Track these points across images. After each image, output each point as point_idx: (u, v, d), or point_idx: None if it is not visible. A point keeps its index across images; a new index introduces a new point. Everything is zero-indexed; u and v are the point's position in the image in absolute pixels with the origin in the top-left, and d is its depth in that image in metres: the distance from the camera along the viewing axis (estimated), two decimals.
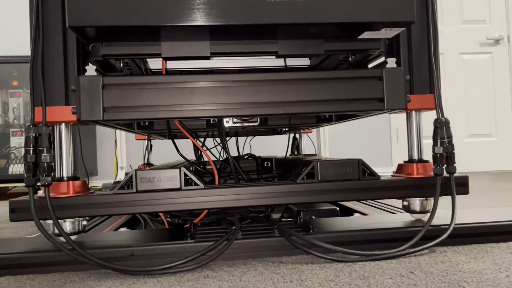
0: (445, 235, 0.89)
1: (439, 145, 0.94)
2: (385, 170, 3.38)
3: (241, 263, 0.87)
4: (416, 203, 1.01)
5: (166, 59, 1.00)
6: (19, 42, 3.14)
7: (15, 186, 3.11)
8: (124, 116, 0.89)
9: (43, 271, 0.86)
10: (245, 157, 1.71)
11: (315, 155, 1.90)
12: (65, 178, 0.92)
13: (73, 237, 0.92)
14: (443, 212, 1.10)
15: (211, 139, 1.95)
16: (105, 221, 1.31)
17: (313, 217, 1.23)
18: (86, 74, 0.91)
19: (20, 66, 2.89)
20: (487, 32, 3.80)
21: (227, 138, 1.91)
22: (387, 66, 0.97)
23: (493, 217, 1.02)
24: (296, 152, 2.41)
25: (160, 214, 1.30)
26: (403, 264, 0.81)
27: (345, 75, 0.93)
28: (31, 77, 0.89)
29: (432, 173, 0.96)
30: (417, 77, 1.00)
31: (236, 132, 1.86)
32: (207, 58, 0.96)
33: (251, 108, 0.92)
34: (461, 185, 0.98)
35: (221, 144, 1.27)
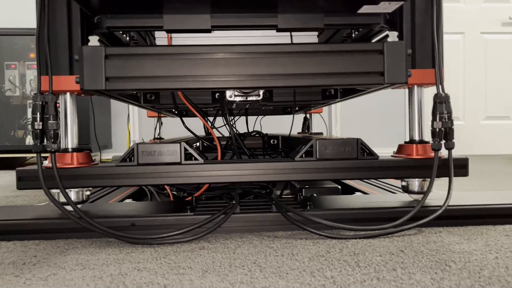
0: (432, 216, 0.89)
1: (438, 120, 0.93)
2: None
3: (238, 237, 0.89)
4: (414, 183, 1.01)
5: (168, 31, 1.01)
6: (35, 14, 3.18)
7: (32, 157, 3.19)
8: (126, 86, 0.92)
9: (48, 237, 0.90)
10: (252, 134, 1.71)
11: (321, 133, 1.89)
12: (69, 149, 0.95)
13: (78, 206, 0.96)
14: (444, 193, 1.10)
15: (221, 118, 1.96)
16: (112, 192, 1.35)
17: (314, 194, 1.24)
18: (89, 44, 0.92)
19: None
20: (510, 11, 3.68)
21: (236, 118, 1.93)
22: (388, 39, 0.95)
23: (495, 199, 1.02)
24: (306, 131, 2.41)
25: (166, 187, 1.34)
26: (395, 243, 0.82)
27: (346, 48, 0.93)
28: (37, 47, 0.91)
29: (432, 155, 0.96)
30: (419, 51, 0.98)
31: (246, 111, 1.86)
32: (208, 31, 0.97)
33: (251, 80, 0.93)
34: (461, 167, 0.97)
35: (224, 120, 1.27)
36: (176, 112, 1.80)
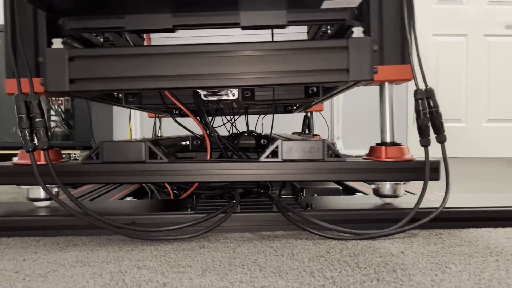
0: (428, 218, 0.88)
1: (422, 116, 0.93)
2: None
3: (238, 236, 0.89)
4: (385, 187, 0.99)
5: (131, 32, 1.01)
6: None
7: None
8: (89, 87, 0.92)
9: (49, 234, 0.90)
10: (245, 134, 1.72)
11: (309, 134, 1.89)
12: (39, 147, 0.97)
13: (47, 203, 1.01)
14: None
15: (221, 117, 1.98)
16: (112, 190, 1.35)
17: (315, 195, 1.24)
18: (53, 47, 0.93)
19: None
20: None
21: (236, 117, 1.94)
22: (354, 35, 0.93)
23: (496, 202, 1.01)
24: (307, 131, 2.41)
25: (167, 185, 1.34)
26: (396, 244, 0.82)
27: (310, 45, 0.91)
28: (8, 49, 0.93)
29: (405, 157, 0.94)
30: (388, 47, 0.96)
31: (245, 110, 1.87)
32: (171, 30, 0.98)
33: (213, 79, 0.92)
34: (433, 171, 0.93)
35: (201, 119, 1.26)
36: (176, 112, 1.81)
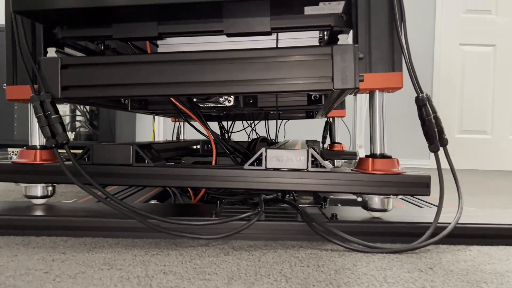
0: (443, 234, 0.86)
1: (427, 123, 0.91)
2: (421, 163, 3.29)
3: (262, 244, 0.89)
4: (374, 200, 0.96)
5: (119, 40, 1.04)
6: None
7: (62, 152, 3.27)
8: (81, 94, 0.96)
9: (76, 234, 0.91)
10: (259, 140, 1.72)
11: (317, 142, 1.87)
12: (38, 147, 1.03)
13: (42, 201, 1.06)
14: (472, 210, 1.08)
15: (241, 122, 1.98)
16: (136, 192, 1.36)
17: (339, 204, 1.23)
18: (48, 55, 0.97)
19: None
20: None
21: (256, 122, 1.94)
22: (339, 42, 0.91)
23: None
24: (329, 137, 2.39)
25: (189, 189, 1.34)
26: (424, 260, 0.80)
27: (293, 53, 0.89)
28: (9, 57, 1.03)
29: (394, 170, 0.92)
30: (377, 54, 0.93)
31: (265, 115, 1.87)
32: (157, 38, 1.01)
33: (196, 87, 0.92)
34: (423, 186, 0.91)
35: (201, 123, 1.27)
36: (198, 116, 1.82)
